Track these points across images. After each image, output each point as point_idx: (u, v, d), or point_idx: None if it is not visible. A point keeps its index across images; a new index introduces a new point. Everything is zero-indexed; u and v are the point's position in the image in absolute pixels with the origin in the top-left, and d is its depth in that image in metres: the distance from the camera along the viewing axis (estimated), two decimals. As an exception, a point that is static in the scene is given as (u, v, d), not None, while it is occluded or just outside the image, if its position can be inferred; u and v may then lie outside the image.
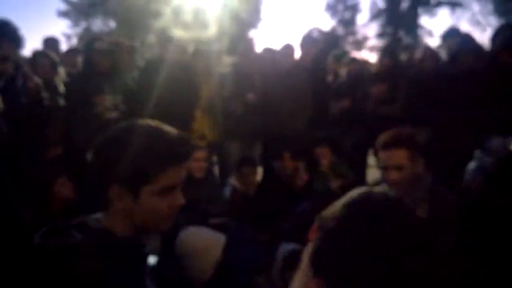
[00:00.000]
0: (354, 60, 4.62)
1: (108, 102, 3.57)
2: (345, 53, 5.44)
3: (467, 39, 4.08)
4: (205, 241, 2.77)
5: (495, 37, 3.65)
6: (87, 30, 19.88)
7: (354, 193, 0.72)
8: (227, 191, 3.71)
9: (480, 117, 3.40)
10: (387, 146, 2.06)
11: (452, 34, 4.35)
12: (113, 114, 3.58)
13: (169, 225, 1.06)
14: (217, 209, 3.45)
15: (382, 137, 2.11)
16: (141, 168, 0.97)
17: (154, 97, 3.62)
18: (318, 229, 0.71)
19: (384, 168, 2.08)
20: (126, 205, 0.99)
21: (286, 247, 2.77)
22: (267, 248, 2.92)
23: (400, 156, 2.01)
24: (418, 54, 4.10)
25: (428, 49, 4.20)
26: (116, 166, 0.97)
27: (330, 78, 4.71)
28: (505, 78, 3.40)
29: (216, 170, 4.49)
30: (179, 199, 1.05)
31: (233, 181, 3.78)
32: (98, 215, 1.06)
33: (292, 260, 2.61)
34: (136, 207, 0.99)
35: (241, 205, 3.62)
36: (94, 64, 3.66)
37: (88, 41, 4.02)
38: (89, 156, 1.02)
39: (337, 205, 0.71)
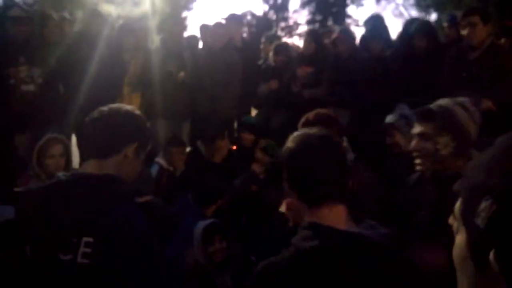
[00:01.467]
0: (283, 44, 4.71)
1: (23, 74, 3.35)
2: (276, 36, 5.56)
3: (377, 25, 4.37)
4: None
5: (409, 25, 3.96)
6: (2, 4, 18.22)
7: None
8: (153, 170, 3.67)
9: (393, 99, 3.70)
10: (309, 124, 2.19)
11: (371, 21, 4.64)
12: (30, 87, 3.38)
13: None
14: (143, 188, 3.41)
15: (305, 117, 2.26)
16: (148, 138, 1.51)
17: (80, 72, 3.47)
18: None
19: None
20: (129, 160, 1.41)
21: (203, 222, 2.81)
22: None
23: None
24: (333, 35, 4.29)
25: (343, 30, 4.39)
26: (139, 131, 1.46)
27: (261, 60, 4.80)
28: (416, 61, 3.72)
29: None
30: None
31: (160, 160, 3.75)
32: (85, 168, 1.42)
33: (212, 232, 2.71)
34: (133, 161, 1.42)
35: (167, 184, 3.61)
36: (9, 33, 3.41)
37: (2, 9, 3.73)
38: (107, 126, 1.40)
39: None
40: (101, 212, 1.24)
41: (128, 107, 1.49)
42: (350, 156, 2.31)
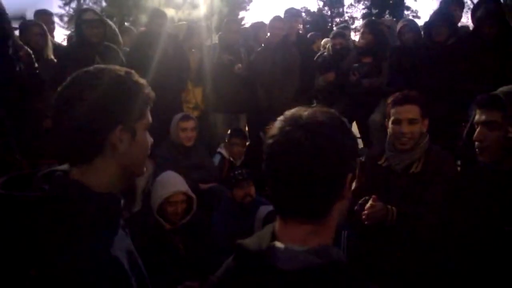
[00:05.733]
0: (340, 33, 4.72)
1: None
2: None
3: (439, 12, 4.23)
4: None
5: (474, 11, 3.80)
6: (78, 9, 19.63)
7: None
8: (216, 159, 3.85)
9: (462, 87, 3.59)
10: (401, 102, 2.28)
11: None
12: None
13: (144, 169, 1.13)
14: (206, 175, 3.60)
15: (395, 96, 2.33)
16: (137, 106, 1.05)
17: (147, 70, 3.69)
18: None
19: (397, 121, 2.28)
20: (125, 146, 1.03)
21: (265, 209, 2.91)
22: (248, 212, 3.06)
23: (414, 111, 2.25)
24: (398, 26, 4.22)
25: (408, 21, 4.32)
26: (119, 108, 1.01)
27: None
28: (486, 49, 3.56)
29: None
30: (150, 138, 1.13)
31: (222, 150, 3.93)
32: (65, 167, 1.05)
33: (274, 219, 2.77)
34: (132, 145, 1.04)
35: (228, 172, 3.76)
36: (85, 35, 3.71)
37: (78, 12, 4.06)
38: (74, 108, 0.98)
39: None
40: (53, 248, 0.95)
41: (92, 71, 1.04)
42: (427, 139, 2.30)
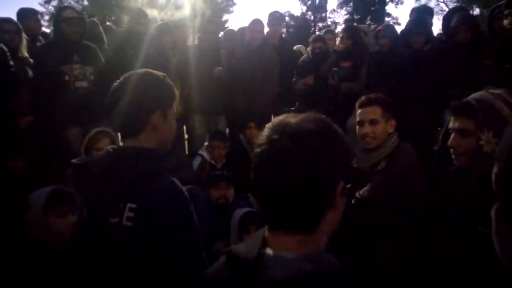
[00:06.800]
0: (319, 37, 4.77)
1: (77, 72, 3.59)
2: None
3: (415, 21, 4.34)
4: None
5: (448, 18, 3.91)
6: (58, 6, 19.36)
7: None
8: (196, 161, 3.84)
9: (436, 93, 3.68)
10: (363, 104, 2.38)
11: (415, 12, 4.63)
12: (83, 83, 3.61)
13: (169, 147, 1.54)
14: (185, 177, 3.58)
15: (360, 99, 2.42)
16: (170, 98, 1.50)
17: (129, 70, 3.65)
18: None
19: (360, 122, 2.37)
20: (160, 126, 1.45)
21: (240, 211, 2.91)
22: (224, 214, 3.05)
23: (375, 112, 2.34)
24: (375, 32, 4.31)
25: (385, 26, 4.41)
26: (159, 97, 1.46)
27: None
28: (460, 55, 3.69)
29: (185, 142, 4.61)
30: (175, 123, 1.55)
31: (203, 152, 3.92)
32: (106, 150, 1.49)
33: (248, 223, 2.78)
34: (164, 126, 1.46)
35: (209, 174, 3.75)
36: (64, 33, 3.66)
37: (57, 10, 4.01)
38: (127, 98, 1.43)
39: None
40: (143, 182, 1.36)
41: (142, 72, 1.50)
42: (395, 138, 2.36)
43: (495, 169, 0.82)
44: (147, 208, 1.32)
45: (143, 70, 1.51)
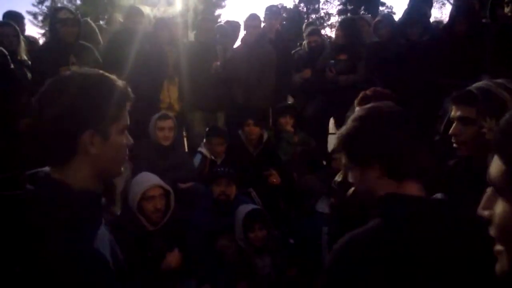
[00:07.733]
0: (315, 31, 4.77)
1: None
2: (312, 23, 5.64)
3: (412, 12, 4.34)
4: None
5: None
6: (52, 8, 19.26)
7: None
8: (196, 159, 3.85)
9: (436, 82, 3.69)
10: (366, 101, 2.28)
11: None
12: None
13: (121, 170, 1.16)
14: (185, 175, 3.59)
15: (362, 93, 2.35)
16: (109, 109, 1.06)
17: (124, 68, 3.64)
18: None
19: None
20: (97, 149, 1.05)
21: (244, 208, 2.91)
22: (227, 210, 3.07)
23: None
24: (374, 22, 4.31)
25: (383, 16, 4.41)
26: (88, 112, 1.03)
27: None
28: (458, 45, 3.70)
29: (184, 139, 4.62)
30: (130, 139, 1.16)
31: (202, 149, 3.92)
32: (46, 169, 1.09)
33: (253, 221, 2.80)
34: (105, 148, 1.06)
35: (210, 171, 3.77)
36: (60, 34, 3.65)
37: (52, 11, 4.00)
38: (46, 112, 1.02)
39: None
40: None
41: (70, 75, 1.09)
42: None
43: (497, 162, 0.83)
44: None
45: (71, 71, 1.12)
